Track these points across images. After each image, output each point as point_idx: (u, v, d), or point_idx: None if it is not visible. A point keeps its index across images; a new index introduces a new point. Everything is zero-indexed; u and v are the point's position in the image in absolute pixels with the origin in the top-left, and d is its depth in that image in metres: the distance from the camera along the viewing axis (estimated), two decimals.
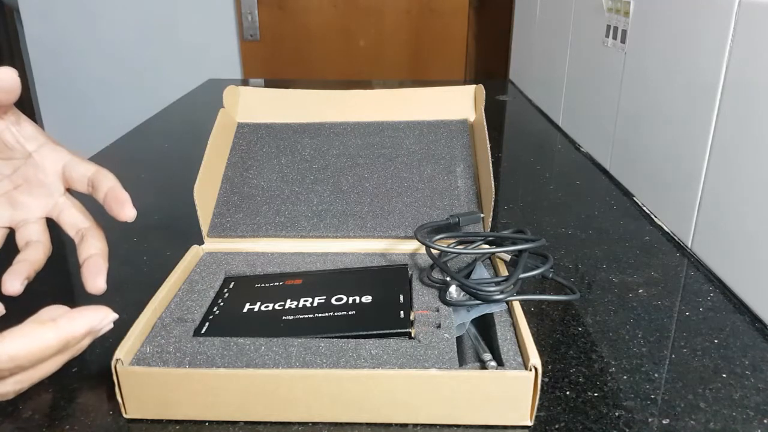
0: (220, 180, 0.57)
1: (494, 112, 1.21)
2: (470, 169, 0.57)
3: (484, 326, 0.42)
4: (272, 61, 1.90)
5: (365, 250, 0.53)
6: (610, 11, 0.85)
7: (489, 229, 0.53)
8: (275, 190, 0.57)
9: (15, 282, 0.39)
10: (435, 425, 0.37)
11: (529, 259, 0.46)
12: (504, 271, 0.47)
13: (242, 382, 0.36)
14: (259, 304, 0.44)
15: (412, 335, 0.40)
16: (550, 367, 0.42)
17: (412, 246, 0.53)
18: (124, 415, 0.37)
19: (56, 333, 0.32)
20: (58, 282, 0.54)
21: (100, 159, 0.90)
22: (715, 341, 0.45)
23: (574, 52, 1.03)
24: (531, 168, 0.86)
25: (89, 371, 0.42)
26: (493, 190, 0.51)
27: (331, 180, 0.57)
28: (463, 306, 0.43)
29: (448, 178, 0.57)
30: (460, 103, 0.61)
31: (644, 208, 0.71)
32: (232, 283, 0.48)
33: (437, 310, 0.43)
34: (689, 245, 0.61)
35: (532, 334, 0.38)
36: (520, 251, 0.46)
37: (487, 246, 0.51)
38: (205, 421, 0.37)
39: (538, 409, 0.38)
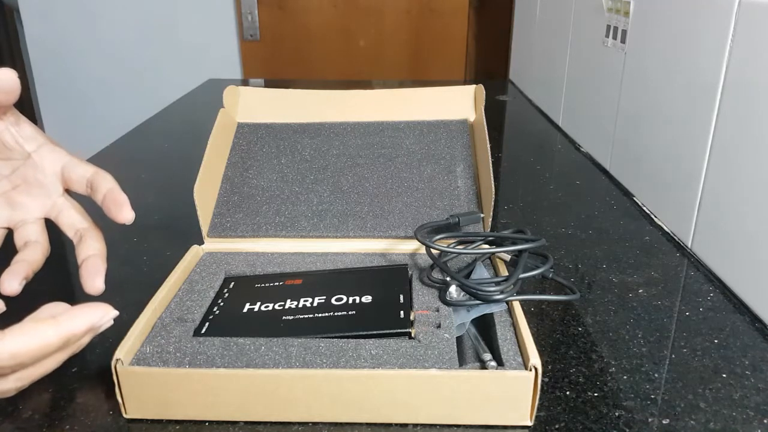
0: (220, 180, 0.57)
1: (494, 112, 1.21)
2: (470, 169, 0.57)
3: (484, 326, 0.42)
4: (272, 61, 1.90)
5: (365, 250, 0.53)
6: (610, 11, 0.85)
7: (489, 229, 0.53)
8: (275, 190, 0.57)
9: (13, 282, 0.39)
10: (435, 425, 0.37)
11: (529, 259, 0.46)
12: (504, 271, 0.47)
13: (242, 382, 0.36)
14: (259, 304, 0.44)
15: (412, 335, 0.40)
16: (550, 367, 0.42)
17: (412, 246, 0.53)
18: (124, 415, 0.37)
19: (57, 330, 0.32)
20: (58, 282, 0.55)
21: (100, 159, 0.90)
22: (715, 341, 0.45)
23: (574, 52, 1.03)
24: (531, 168, 0.86)
25: (89, 371, 0.42)
26: (493, 190, 0.51)
27: (331, 180, 0.57)
28: (463, 306, 0.43)
29: (448, 178, 0.57)
30: (460, 103, 0.61)
31: (644, 208, 0.71)
32: (232, 283, 0.48)
33: (437, 310, 0.43)
34: (689, 245, 0.61)
35: (532, 334, 0.38)
36: (520, 251, 0.46)
37: (487, 246, 0.51)
38: (205, 421, 0.37)
39: (538, 409, 0.38)
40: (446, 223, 0.52)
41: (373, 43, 1.89)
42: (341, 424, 0.37)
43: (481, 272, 0.47)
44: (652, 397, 0.39)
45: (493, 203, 0.52)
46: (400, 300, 0.44)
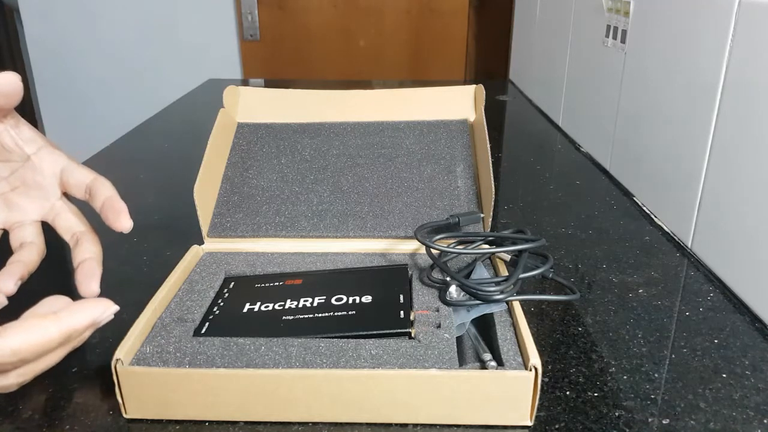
0: (220, 180, 0.57)
1: (494, 112, 1.21)
2: (470, 169, 0.57)
3: (484, 326, 0.42)
4: (272, 61, 1.90)
5: (365, 250, 0.53)
6: (610, 11, 0.85)
7: (489, 229, 0.53)
8: (275, 190, 0.57)
9: (8, 282, 0.39)
10: (435, 425, 0.37)
11: (529, 259, 0.46)
12: (504, 271, 0.47)
13: (242, 382, 0.36)
14: (259, 304, 0.44)
15: (412, 335, 0.40)
16: (550, 367, 0.42)
17: (412, 246, 0.53)
18: (124, 415, 0.37)
19: (58, 326, 0.32)
20: (56, 282, 0.54)
21: (100, 159, 0.90)
22: (715, 341, 0.46)
23: (574, 52, 1.03)
24: (531, 168, 0.86)
25: (89, 371, 0.42)
26: (493, 190, 0.51)
27: (331, 180, 0.57)
28: (463, 306, 0.43)
29: (448, 178, 0.57)
30: (460, 103, 0.61)
31: (644, 208, 0.71)
32: (232, 283, 0.48)
33: (437, 310, 0.43)
34: (689, 245, 0.61)
35: (532, 334, 0.38)
36: (520, 251, 0.46)
37: (487, 246, 0.51)
38: (205, 421, 0.37)
39: (538, 409, 0.38)
40: (446, 223, 0.52)
41: (373, 43, 1.89)
42: (341, 424, 0.37)
43: (481, 272, 0.47)
44: (652, 397, 0.39)
45: (493, 203, 0.52)
46: (400, 300, 0.44)
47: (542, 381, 0.38)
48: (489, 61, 1.89)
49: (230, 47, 1.92)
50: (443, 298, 0.44)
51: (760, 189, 0.50)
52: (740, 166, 0.53)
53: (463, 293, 0.44)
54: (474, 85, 0.61)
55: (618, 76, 0.81)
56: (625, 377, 0.41)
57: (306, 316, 0.42)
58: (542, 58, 1.24)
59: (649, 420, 0.37)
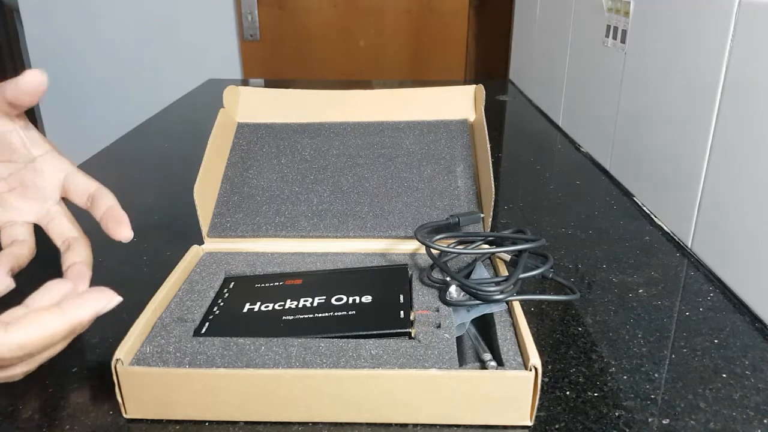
0: (220, 180, 0.57)
1: (494, 112, 1.21)
2: (470, 169, 0.57)
3: (484, 326, 0.42)
4: (272, 61, 1.90)
5: (365, 250, 0.53)
6: (610, 11, 0.85)
7: (489, 229, 0.53)
8: (275, 190, 0.57)
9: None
10: (435, 425, 0.37)
11: (529, 259, 0.46)
12: (504, 271, 0.47)
13: (242, 382, 0.36)
14: (259, 304, 0.44)
15: (412, 335, 0.40)
16: (550, 367, 0.42)
17: (412, 246, 0.53)
18: (124, 415, 0.37)
19: (62, 319, 0.32)
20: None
21: (99, 159, 0.90)
22: (715, 341, 0.45)
23: (574, 52, 1.03)
24: (531, 168, 0.86)
25: (89, 371, 0.42)
26: (493, 190, 0.51)
27: (331, 180, 0.57)
28: (463, 306, 0.43)
29: (448, 178, 0.57)
30: (460, 103, 0.61)
31: (644, 208, 0.71)
32: (232, 283, 0.48)
33: (437, 310, 0.43)
34: (689, 245, 0.61)
35: (532, 334, 0.38)
36: (520, 251, 0.46)
37: (487, 246, 0.51)
38: (205, 421, 0.37)
39: (538, 409, 0.38)
40: (446, 223, 0.52)
41: (373, 43, 1.89)
42: (341, 424, 0.37)
43: (481, 272, 0.47)
44: (652, 397, 0.39)
45: (493, 203, 0.52)
46: (400, 300, 0.44)
47: (542, 381, 0.39)
48: (489, 61, 1.89)
49: (230, 47, 1.92)
50: (443, 298, 0.44)
51: (760, 189, 0.50)
52: (740, 166, 0.53)
53: (463, 293, 0.44)
54: (474, 85, 0.61)
55: (618, 76, 0.81)
56: (625, 377, 0.41)
57: (306, 316, 0.42)
58: (542, 58, 1.24)
59: (649, 420, 0.37)
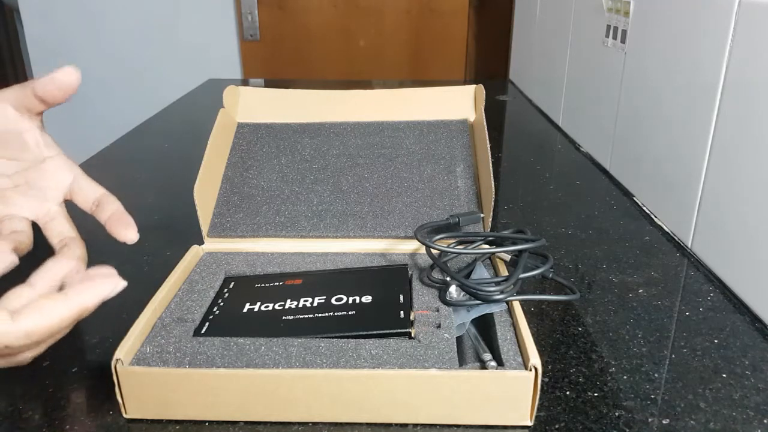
0: (220, 180, 0.57)
1: (494, 112, 1.21)
2: (470, 169, 0.57)
3: (484, 326, 0.42)
4: (272, 61, 1.90)
5: (365, 250, 0.53)
6: (610, 11, 0.85)
7: (489, 229, 0.53)
8: (275, 190, 0.57)
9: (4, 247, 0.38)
10: (435, 425, 0.37)
11: (529, 259, 0.46)
12: (504, 271, 0.47)
13: (242, 382, 0.36)
14: (259, 304, 0.44)
15: (412, 335, 0.40)
16: (550, 367, 0.42)
17: (412, 246, 0.53)
18: (124, 415, 0.37)
19: (68, 306, 0.32)
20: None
21: (100, 159, 0.90)
22: (715, 341, 0.45)
23: (574, 52, 1.03)
24: (531, 168, 0.86)
25: (89, 371, 0.42)
26: (493, 190, 0.51)
27: (331, 180, 0.57)
28: (463, 306, 0.43)
29: (448, 178, 0.57)
30: (460, 103, 0.61)
31: (644, 208, 0.71)
32: (232, 283, 0.48)
33: (437, 310, 0.43)
34: (689, 245, 0.61)
35: (532, 334, 0.38)
36: (520, 251, 0.46)
37: (487, 246, 0.51)
38: (205, 421, 0.37)
39: (538, 409, 0.38)
40: (446, 223, 0.52)
41: (373, 43, 1.89)
42: (341, 424, 0.37)
43: (481, 272, 0.47)
44: (652, 397, 0.39)
45: (493, 203, 0.52)
46: (400, 300, 0.44)
47: (542, 381, 0.38)
48: (489, 61, 1.89)
49: (230, 47, 1.92)
50: (443, 298, 0.44)
51: (760, 189, 0.50)
52: (740, 166, 0.53)
53: (463, 293, 0.44)
54: (474, 85, 0.61)
55: (618, 76, 0.81)
56: (625, 377, 0.41)
57: (306, 316, 0.42)
58: (542, 58, 1.24)
59: (649, 420, 0.37)
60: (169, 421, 0.37)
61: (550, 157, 0.93)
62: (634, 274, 0.56)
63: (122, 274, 0.55)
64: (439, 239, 0.49)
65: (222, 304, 0.45)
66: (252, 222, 0.54)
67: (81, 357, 0.44)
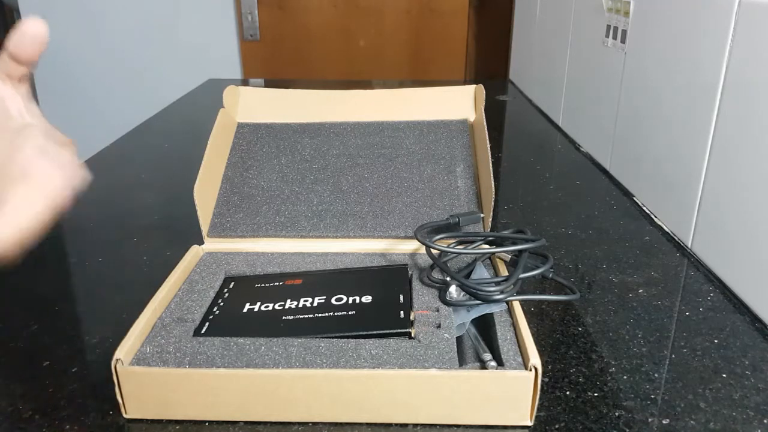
0: (220, 180, 0.57)
1: (494, 112, 1.21)
2: (470, 169, 0.57)
3: (484, 326, 0.42)
4: (272, 61, 1.90)
5: (365, 250, 0.53)
6: (610, 11, 0.85)
7: (489, 229, 0.53)
8: (275, 190, 0.57)
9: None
10: (435, 425, 0.37)
11: (529, 259, 0.46)
12: (504, 271, 0.47)
13: (242, 382, 0.36)
14: (259, 304, 0.44)
15: (412, 335, 0.40)
16: (550, 367, 0.42)
17: (412, 246, 0.53)
18: (124, 415, 0.37)
19: (42, 199, 0.31)
20: (62, 288, 0.54)
21: (100, 159, 0.90)
22: (715, 341, 0.45)
23: (574, 52, 1.03)
24: (531, 168, 0.86)
25: (89, 371, 0.42)
26: (493, 190, 0.51)
27: (331, 180, 0.57)
28: (463, 306, 0.43)
29: (448, 178, 0.57)
30: (460, 103, 0.61)
31: (644, 208, 0.71)
32: (232, 283, 0.48)
33: (437, 310, 0.43)
34: (689, 245, 0.61)
35: (532, 334, 0.38)
36: (520, 251, 0.46)
37: (487, 246, 0.51)
38: (205, 421, 0.37)
39: (538, 409, 0.38)
40: (446, 223, 0.52)
41: (373, 43, 1.89)
42: (341, 424, 0.37)
43: (481, 272, 0.47)
44: (652, 397, 0.39)
45: (493, 203, 0.52)
46: (400, 300, 0.44)
47: (542, 381, 0.39)
48: (489, 61, 1.89)
49: (230, 47, 1.92)
50: (443, 298, 0.44)
51: (760, 189, 0.50)
52: (740, 166, 0.53)
53: (463, 293, 0.44)
54: (474, 85, 0.61)
55: (618, 76, 0.81)
56: (625, 377, 0.41)
57: (306, 316, 0.42)
58: (542, 58, 1.24)
59: (649, 420, 0.37)
60: (169, 421, 0.37)
61: (550, 157, 0.93)
62: (634, 274, 0.56)
63: (122, 274, 0.55)
64: (439, 239, 0.49)
65: (222, 304, 0.45)
66: (252, 222, 0.54)
67: (81, 357, 0.44)
